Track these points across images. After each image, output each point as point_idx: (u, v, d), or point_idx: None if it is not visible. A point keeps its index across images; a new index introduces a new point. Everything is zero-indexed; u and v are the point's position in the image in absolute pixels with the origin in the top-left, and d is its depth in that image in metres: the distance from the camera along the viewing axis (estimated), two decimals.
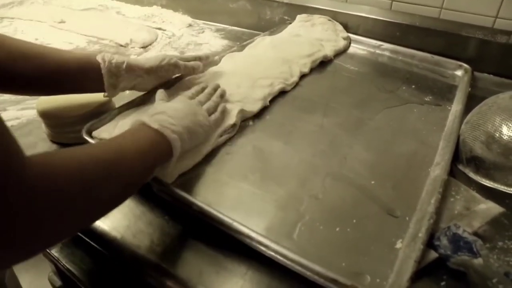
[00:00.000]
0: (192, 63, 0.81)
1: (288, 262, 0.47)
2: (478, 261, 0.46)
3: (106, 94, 0.68)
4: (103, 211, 0.46)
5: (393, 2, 1.09)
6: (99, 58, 0.66)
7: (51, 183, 0.35)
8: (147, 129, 0.54)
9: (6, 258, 0.34)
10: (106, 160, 0.45)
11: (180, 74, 0.82)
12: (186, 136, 0.58)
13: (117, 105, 0.75)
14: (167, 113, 0.59)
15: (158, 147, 0.54)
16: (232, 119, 0.71)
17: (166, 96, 0.70)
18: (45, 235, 0.36)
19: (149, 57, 0.75)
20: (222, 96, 0.74)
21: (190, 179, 0.62)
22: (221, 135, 0.69)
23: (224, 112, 0.71)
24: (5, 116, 0.73)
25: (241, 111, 0.73)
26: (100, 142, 0.47)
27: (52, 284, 0.71)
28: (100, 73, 0.66)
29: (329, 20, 1.15)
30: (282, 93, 0.86)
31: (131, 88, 0.74)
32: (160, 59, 0.75)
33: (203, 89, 0.73)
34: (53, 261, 0.65)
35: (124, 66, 0.68)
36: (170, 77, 0.80)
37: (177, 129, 0.56)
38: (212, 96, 0.71)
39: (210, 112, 0.68)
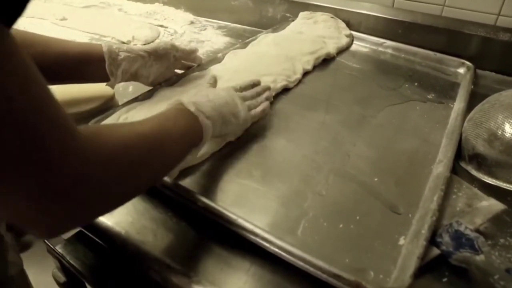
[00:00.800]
0: (189, 46, 0.85)
1: (292, 258, 0.47)
2: (480, 257, 0.46)
3: (108, 83, 0.69)
4: (142, 189, 0.48)
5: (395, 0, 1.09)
6: (102, 43, 0.69)
7: (101, 156, 0.37)
8: (185, 110, 0.55)
9: (59, 223, 0.37)
10: (151, 138, 0.46)
11: (182, 69, 0.84)
12: (218, 123, 0.59)
13: (120, 102, 0.75)
14: (208, 96, 0.60)
15: (193, 130, 0.55)
16: None
17: (215, 82, 0.73)
18: (92, 203, 0.38)
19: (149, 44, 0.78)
20: (268, 99, 0.75)
21: (193, 175, 0.62)
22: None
23: (265, 111, 0.72)
24: None
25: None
26: (145, 120, 0.48)
27: (56, 280, 0.71)
28: (102, 57, 0.68)
29: (331, 17, 1.15)
30: (285, 90, 0.86)
31: (133, 74, 0.74)
32: (158, 42, 0.79)
33: (253, 85, 0.74)
34: (57, 257, 0.65)
35: (125, 47, 0.71)
36: (170, 61, 0.80)
37: (212, 114, 0.57)
38: (258, 96, 0.73)
39: (251, 108, 0.69)
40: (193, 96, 0.59)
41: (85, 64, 0.68)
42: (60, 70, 0.65)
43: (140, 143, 0.44)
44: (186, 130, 0.53)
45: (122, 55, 0.70)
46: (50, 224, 0.36)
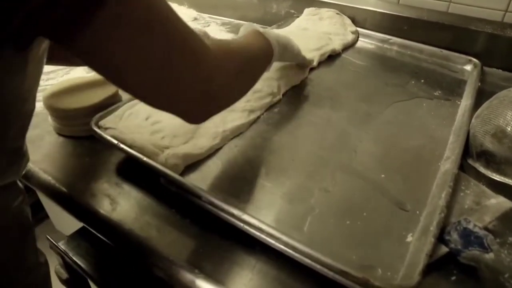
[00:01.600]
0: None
1: (298, 255, 0.46)
2: (489, 256, 0.46)
3: None
4: (249, 88, 0.62)
5: None
6: None
7: (226, 65, 0.51)
8: (258, 32, 0.69)
9: (206, 111, 0.52)
10: (255, 52, 0.64)
11: None
12: (281, 48, 0.73)
13: (123, 98, 0.74)
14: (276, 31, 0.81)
15: (268, 50, 0.69)
16: (242, 118, 0.71)
17: None
18: (224, 96, 0.54)
19: None
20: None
21: (197, 171, 0.62)
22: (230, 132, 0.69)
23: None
24: None
25: (253, 111, 0.74)
26: (242, 39, 0.66)
27: (59, 277, 0.70)
28: None
29: (337, 13, 1.15)
30: (291, 86, 0.86)
31: None
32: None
33: None
34: (60, 254, 0.65)
35: None
36: None
37: (275, 40, 0.71)
38: None
39: None
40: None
41: None
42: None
43: (248, 54, 0.61)
44: (267, 48, 0.69)
45: None
46: (199, 112, 0.51)
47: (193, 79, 0.45)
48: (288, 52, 0.78)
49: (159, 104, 0.47)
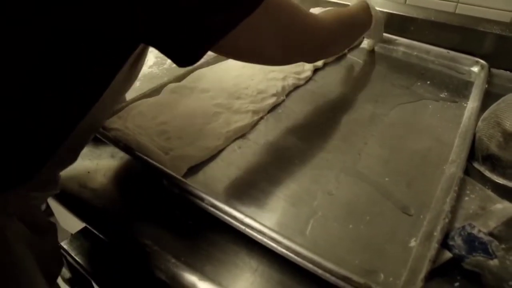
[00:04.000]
0: None
1: (300, 260, 0.46)
2: (494, 262, 0.45)
3: None
4: (348, 45, 0.92)
5: None
6: None
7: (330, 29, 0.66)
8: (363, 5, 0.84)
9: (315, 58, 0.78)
10: (340, 25, 0.71)
11: None
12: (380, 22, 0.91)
13: (128, 98, 0.74)
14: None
15: (361, 20, 0.84)
16: (246, 119, 0.71)
17: None
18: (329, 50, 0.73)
19: None
20: None
21: (200, 173, 0.62)
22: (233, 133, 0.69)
23: None
24: None
25: (256, 112, 0.73)
26: (328, 18, 0.68)
27: (61, 276, 0.71)
28: None
29: None
30: (295, 87, 0.85)
31: None
32: None
33: None
34: (63, 254, 0.65)
35: None
36: None
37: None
38: None
39: None
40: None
41: None
42: None
43: (348, 20, 0.75)
44: (367, 21, 0.85)
45: None
46: (311, 59, 0.75)
47: (310, 38, 0.61)
48: (378, 30, 0.93)
49: (280, 61, 0.62)
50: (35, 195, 0.48)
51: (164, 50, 0.45)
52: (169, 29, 0.42)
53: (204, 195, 0.53)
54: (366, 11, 0.84)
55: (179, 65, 0.47)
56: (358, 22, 0.82)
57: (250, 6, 0.45)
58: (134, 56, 0.46)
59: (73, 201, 0.60)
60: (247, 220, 0.49)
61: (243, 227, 0.50)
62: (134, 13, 0.38)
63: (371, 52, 1.05)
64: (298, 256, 0.46)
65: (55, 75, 0.39)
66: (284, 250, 0.47)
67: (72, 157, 0.52)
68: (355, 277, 0.42)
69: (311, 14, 0.60)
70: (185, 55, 0.46)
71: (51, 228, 0.51)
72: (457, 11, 1.02)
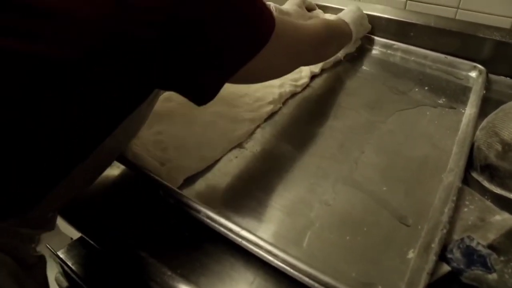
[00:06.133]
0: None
1: (296, 273, 0.45)
2: (492, 276, 0.45)
3: None
4: (329, 56, 0.88)
5: (408, 2, 1.07)
6: None
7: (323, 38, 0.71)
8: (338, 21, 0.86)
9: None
10: (328, 30, 0.73)
11: None
12: (357, 28, 0.91)
13: None
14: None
15: (345, 31, 0.87)
16: (242, 128, 0.70)
17: None
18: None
19: None
20: None
21: (196, 183, 0.61)
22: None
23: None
24: None
25: (253, 120, 0.73)
26: (317, 23, 0.70)
27: (58, 284, 0.70)
28: None
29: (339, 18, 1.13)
30: (292, 94, 0.85)
31: None
32: None
33: None
34: (59, 263, 0.65)
35: None
36: None
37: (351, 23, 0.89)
38: None
39: None
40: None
41: None
42: None
43: (326, 28, 0.72)
44: (344, 29, 0.86)
45: None
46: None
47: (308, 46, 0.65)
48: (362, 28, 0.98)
49: (288, 73, 0.67)
50: (27, 231, 0.46)
51: (183, 93, 0.46)
52: (187, 77, 0.43)
53: (200, 207, 0.52)
54: (346, 25, 0.88)
55: (199, 105, 0.48)
56: (343, 32, 0.86)
57: (265, 36, 0.48)
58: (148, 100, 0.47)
59: (69, 210, 0.59)
60: (243, 233, 0.49)
61: (239, 239, 0.49)
62: (151, 71, 0.39)
63: (369, 57, 1.04)
64: (294, 270, 0.46)
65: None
66: (280, 264, 0.47)
67: (70, 195, 0.52)
68: None
69: (304, 24, 0.65)
70: (204, 95, 0.47)
71: (40, 262, 0.50)
72: (457, 17, 1.02)
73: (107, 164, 0.57)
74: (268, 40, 0.48)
